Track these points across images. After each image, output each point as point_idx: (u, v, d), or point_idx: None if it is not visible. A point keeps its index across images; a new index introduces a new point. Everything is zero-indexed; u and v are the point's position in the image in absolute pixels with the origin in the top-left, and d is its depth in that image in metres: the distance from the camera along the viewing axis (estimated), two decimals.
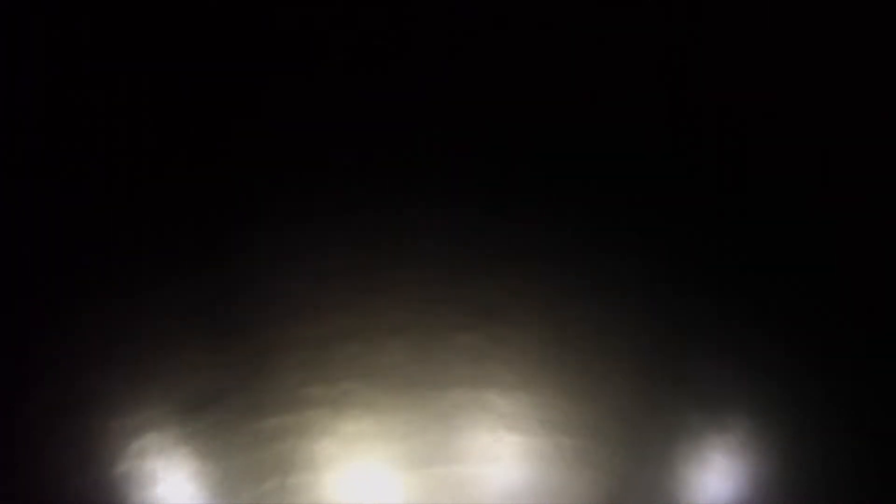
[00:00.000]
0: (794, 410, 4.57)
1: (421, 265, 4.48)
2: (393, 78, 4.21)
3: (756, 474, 4.64)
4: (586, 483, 4.78)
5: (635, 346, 4.55)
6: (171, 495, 4.71)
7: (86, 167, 4.13)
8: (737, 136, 4.24)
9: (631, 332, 4.51)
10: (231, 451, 4.75)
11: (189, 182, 4.26)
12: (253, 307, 4.51)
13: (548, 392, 4.67)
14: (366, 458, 4.78)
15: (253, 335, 4.55)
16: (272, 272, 4.43)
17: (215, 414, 4.66)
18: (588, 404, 4.68)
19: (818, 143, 4.24)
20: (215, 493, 4.74)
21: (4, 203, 4.08)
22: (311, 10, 4.13)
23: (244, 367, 4.60)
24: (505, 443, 4.79)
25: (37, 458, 4.45)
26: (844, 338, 4.49)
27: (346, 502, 4.86)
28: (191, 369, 4.56)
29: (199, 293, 4.44)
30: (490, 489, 4.77)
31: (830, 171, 4.27)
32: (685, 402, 4.66)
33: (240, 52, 4.13)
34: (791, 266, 4.41)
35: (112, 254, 4.29)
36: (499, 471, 4.76)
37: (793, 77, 4.13)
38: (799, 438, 4.58)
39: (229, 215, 4.33)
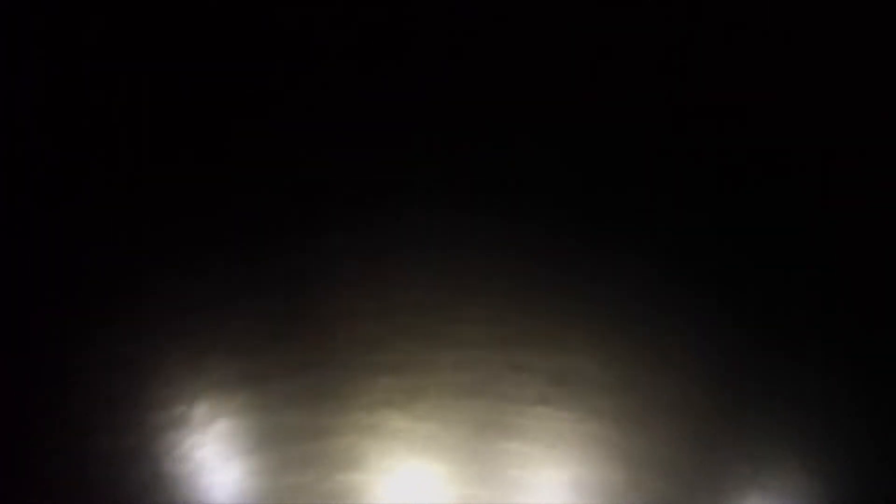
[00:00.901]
0: (848, 439, 4.54)
1: (421, 271, 4.48)
2: (393, 77, 4.21)
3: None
4: None
5: (692, 372, 4.53)
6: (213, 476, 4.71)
7: (86, 167, 4.14)
8: (743, 136, 4.25)
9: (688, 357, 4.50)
10: (277, 440, 4.74)
11: (190, 182, 4.26)
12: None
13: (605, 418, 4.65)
14: (412, 468, 4.77)
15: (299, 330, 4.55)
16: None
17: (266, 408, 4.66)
18: (651, 434, 4.65)
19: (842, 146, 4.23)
20: (254, 480, 4.74)
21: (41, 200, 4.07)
22: (311, 10, 4.13)
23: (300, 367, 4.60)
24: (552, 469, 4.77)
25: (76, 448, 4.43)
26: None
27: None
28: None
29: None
30: None
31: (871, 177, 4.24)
32: (743, 442, 4.64)
33: (240, 51, 4.13)
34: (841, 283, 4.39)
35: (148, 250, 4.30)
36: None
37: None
38: (854, 471, 4.56)
39: (236, 216, 4.33)
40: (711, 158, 4.31)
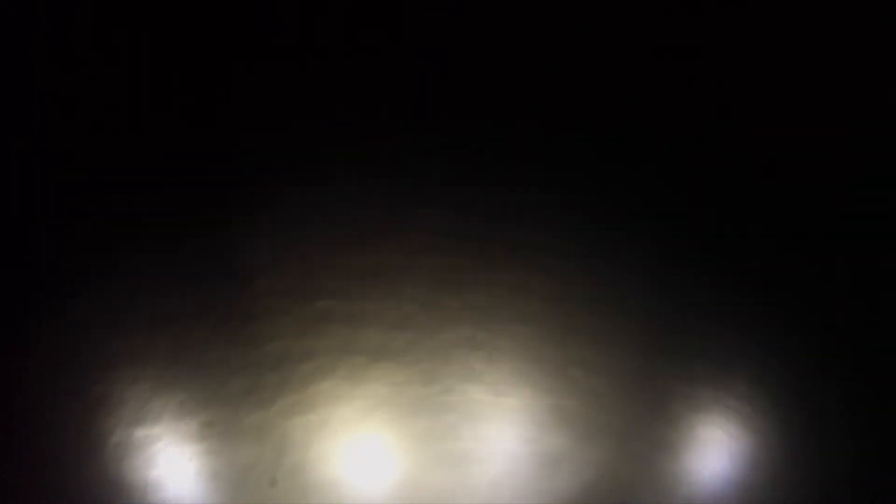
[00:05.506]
0: (794, 392, 4.61)
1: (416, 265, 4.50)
2: (390, 69, 4.21)
3: (756, 451, 4.71)
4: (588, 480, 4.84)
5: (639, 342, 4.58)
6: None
7: (85, 165, 4.15)
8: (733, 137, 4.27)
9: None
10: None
11: (185, 175, 4.27)
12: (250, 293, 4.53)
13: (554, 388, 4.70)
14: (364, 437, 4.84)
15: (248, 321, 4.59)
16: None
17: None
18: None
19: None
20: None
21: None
22: (307, 4, 4.12)
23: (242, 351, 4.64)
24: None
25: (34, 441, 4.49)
26: (848, 317, 4.50)
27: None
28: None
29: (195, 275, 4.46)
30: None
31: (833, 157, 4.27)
32: (694, 401, 4.70)
33: (235, 45, 4.12)
34: (798, 246, 4.41)
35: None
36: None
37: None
38: (801, 423, 4.63)
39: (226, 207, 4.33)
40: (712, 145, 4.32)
